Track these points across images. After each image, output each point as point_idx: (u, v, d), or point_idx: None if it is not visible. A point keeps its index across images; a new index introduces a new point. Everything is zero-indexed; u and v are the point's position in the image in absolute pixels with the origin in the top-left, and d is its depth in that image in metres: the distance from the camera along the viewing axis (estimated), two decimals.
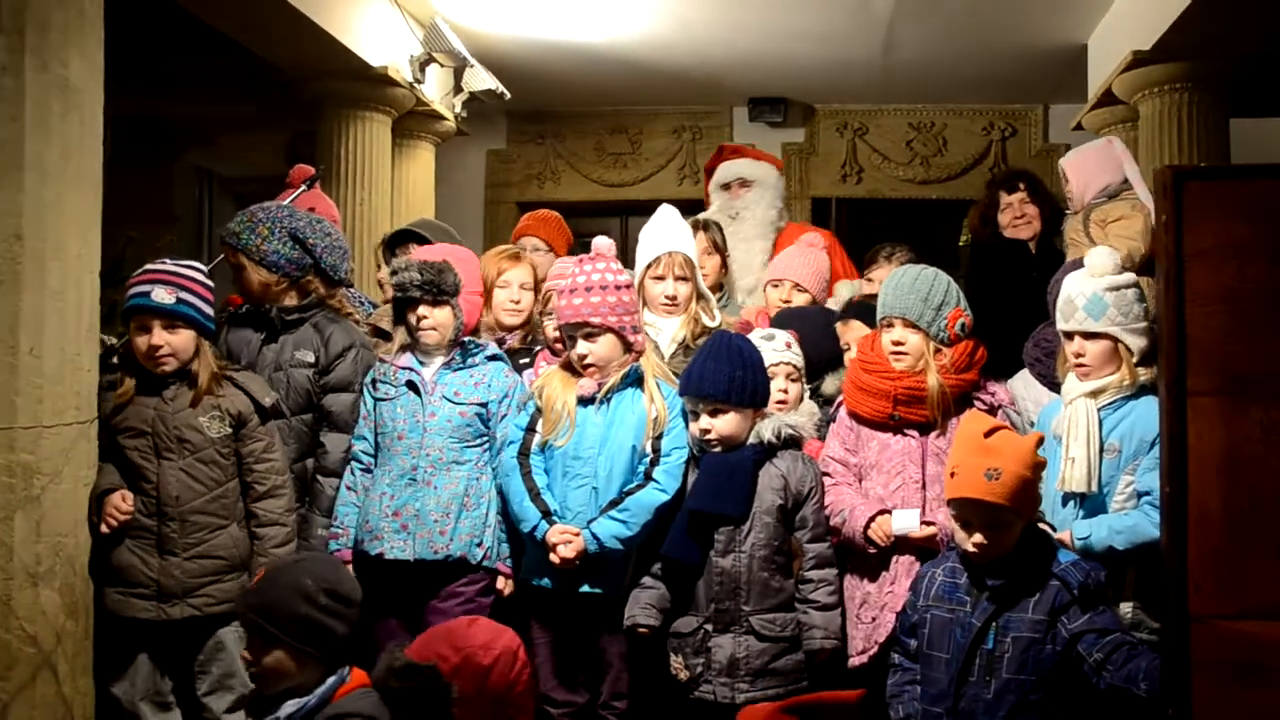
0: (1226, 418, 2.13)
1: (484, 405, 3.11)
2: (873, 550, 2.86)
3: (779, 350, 3.12)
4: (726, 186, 4.49)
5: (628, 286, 3.07)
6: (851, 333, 3.33)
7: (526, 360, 3.44)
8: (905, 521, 2.84)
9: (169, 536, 2.87)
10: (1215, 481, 2.12)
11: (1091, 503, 2.74)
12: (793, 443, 2.94)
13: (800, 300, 3.78)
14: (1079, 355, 2.78)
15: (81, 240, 2.81)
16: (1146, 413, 2.67)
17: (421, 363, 3.15)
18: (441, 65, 5.84)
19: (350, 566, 2.98)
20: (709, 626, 2.84)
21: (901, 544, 2.86)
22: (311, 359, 3.17)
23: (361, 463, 3.15)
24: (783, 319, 3.51)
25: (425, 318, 3.11)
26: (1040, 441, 2.54)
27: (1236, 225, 2.14)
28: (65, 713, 2.76)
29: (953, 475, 2.51)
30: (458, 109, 6.25)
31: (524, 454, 3.01)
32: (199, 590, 2.88)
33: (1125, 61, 5.19)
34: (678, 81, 6.83)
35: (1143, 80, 5.24)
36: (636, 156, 7.67)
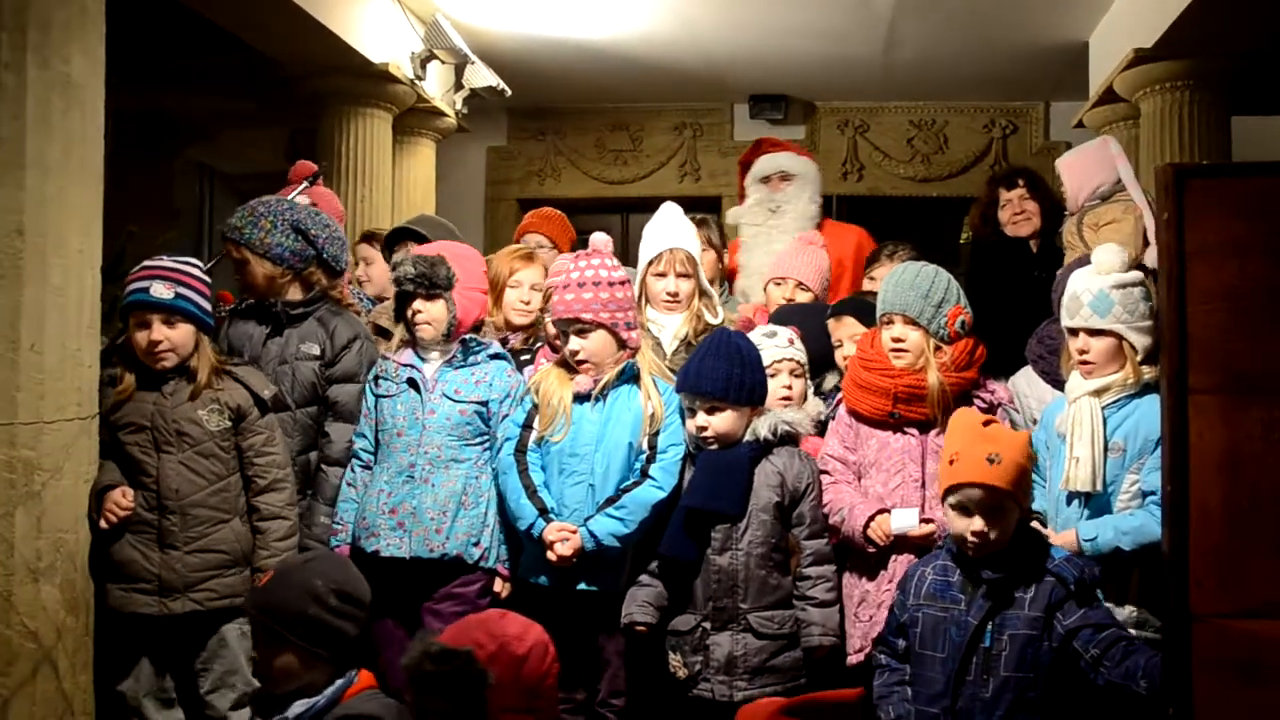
0: (1227, 416, 2.12)
1: (484, 404, 3.11)
2: (872, 550, 2.86)
3: (781, 347, 3.12)
4: (766, 180, 4.43)
5: (623, 283, 3.07)
6: (843, 329, 3.33)
7: (528, 358, 3.44)
8: (904, 520, 2.83)
9: (170, 530, 2.88)
10: (1216, 479, 2.12)
11: (1096, 502, 2.73)
12: (789, 439, 2.94)
13: (803, 299, 3.78)
14: (1083, 352, 2.78)
15: (83, 236, 2.81)
16: (1151, 411, 2.66)
17: (423, 359, 3.16)
18: (442, 62, 5.84)
19: None
20: (707, 624, 2.84)
21: (900, 543, 2.85)
22: (317, 351, 3.18)
23: (362, 460, 3.15)
24: (782, 316, 3.51)
25: (420, 311, 3.12)
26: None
27: (1238, 223, 2.13)
28: (65, 708, 2.76)
29: (951, 463, 2.50)
30: (458, 105, 6.25)
31: (521, 451, 3.01)
32: (201, 584, 2.88)
33: (1126, 59, 5.19)
34: (679, 78, 6.83)
35: (1144, 78, 5.24)
36: (637, 153, 7.67)
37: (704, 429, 2.87)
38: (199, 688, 2.95)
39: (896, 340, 2.96)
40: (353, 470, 3.15)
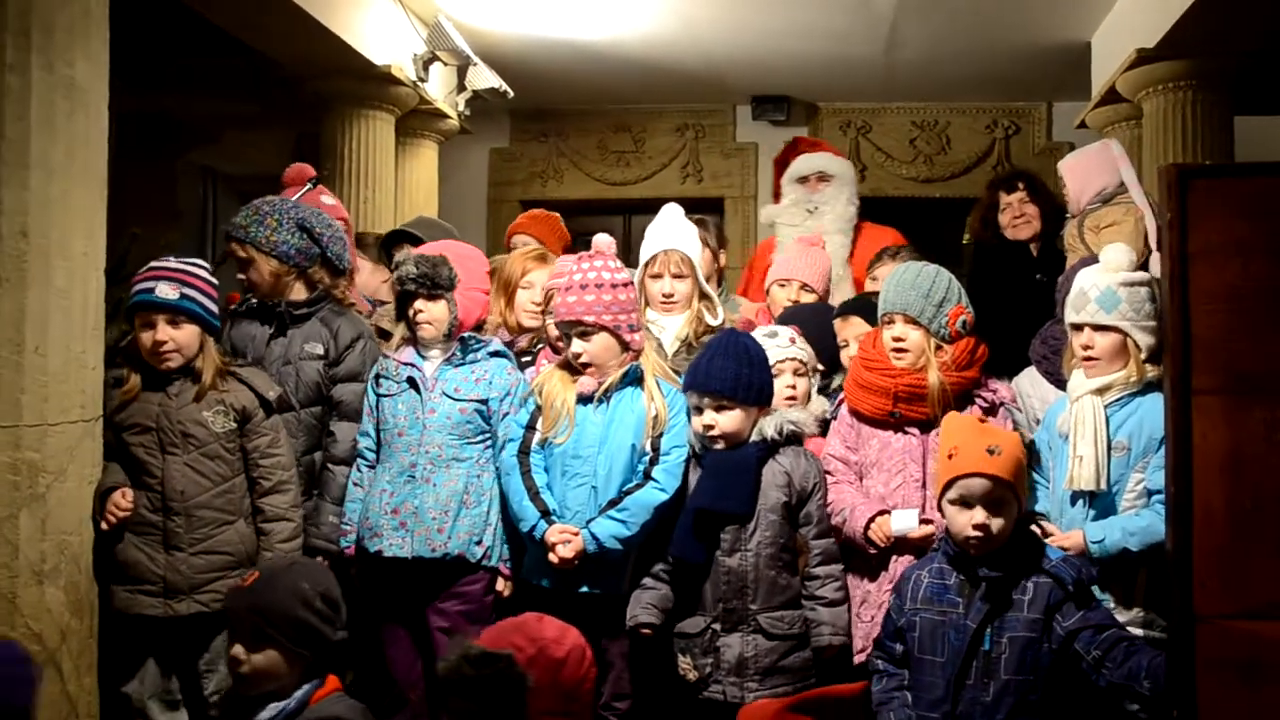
0: (1230, 416, 2.12)
1: (484, 402, 3.11)
2: (873, 551, 2.86)
3: (783, 346, 3.12)
4: (804, 180, 4.42)
5: (626, 285, 3.06)
6: (850, 329, 3.33)
7: (529, 359, 3.44)
8: (904, 521, 2.83)
9: (175, 532, 2.88)
10: (1219, 480, 2.11)
11: (1101, 502, 2.73)
12: (795, 439, 2.94)
13: (808, 300, 3.78)
14: (1087, 347, 2.78)
15: (87, 238, 2.82)
16: (1154, 409, 2.65)
17: (423, 358, 3.16)
18: (445, 64, 5.84)
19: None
20: (717, 626, 2.83)
21: (901, 544, 2.85)
22: (320, 351, 3.19)
23: (366, 459, 3.16)
24: (785, 318, 3.51)
25: (421, 311, 3.13)
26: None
27: (1241, 223, 2.13)
28: (70, 710, 2.76)
29: (951, 457, 2.49)
30: (461, 107, 6.25)
31: (524, 452, 3.01)
32: (206, 586, 2.89)
33: (1129, 59, 5.18)
34: (681, 80, 6.83)
35: (1146, 78, 5.23)
36: (639, 155, 7.67)
37: (710, 427, 2.87)
38: (203, 689, 2.95)
39: (897, 340, 2.96)
40: (358, 470, 3.15)
